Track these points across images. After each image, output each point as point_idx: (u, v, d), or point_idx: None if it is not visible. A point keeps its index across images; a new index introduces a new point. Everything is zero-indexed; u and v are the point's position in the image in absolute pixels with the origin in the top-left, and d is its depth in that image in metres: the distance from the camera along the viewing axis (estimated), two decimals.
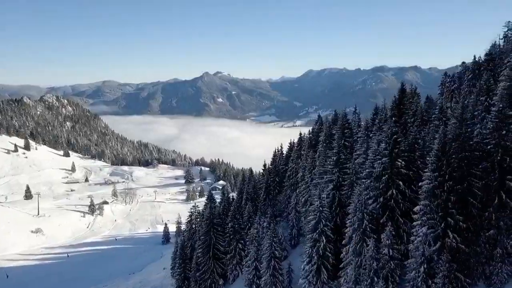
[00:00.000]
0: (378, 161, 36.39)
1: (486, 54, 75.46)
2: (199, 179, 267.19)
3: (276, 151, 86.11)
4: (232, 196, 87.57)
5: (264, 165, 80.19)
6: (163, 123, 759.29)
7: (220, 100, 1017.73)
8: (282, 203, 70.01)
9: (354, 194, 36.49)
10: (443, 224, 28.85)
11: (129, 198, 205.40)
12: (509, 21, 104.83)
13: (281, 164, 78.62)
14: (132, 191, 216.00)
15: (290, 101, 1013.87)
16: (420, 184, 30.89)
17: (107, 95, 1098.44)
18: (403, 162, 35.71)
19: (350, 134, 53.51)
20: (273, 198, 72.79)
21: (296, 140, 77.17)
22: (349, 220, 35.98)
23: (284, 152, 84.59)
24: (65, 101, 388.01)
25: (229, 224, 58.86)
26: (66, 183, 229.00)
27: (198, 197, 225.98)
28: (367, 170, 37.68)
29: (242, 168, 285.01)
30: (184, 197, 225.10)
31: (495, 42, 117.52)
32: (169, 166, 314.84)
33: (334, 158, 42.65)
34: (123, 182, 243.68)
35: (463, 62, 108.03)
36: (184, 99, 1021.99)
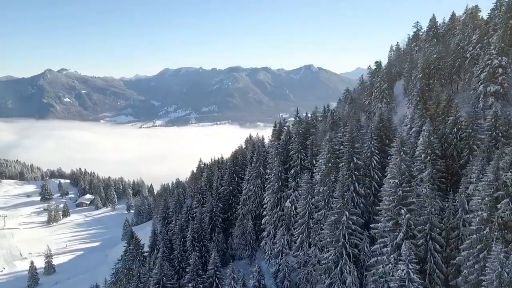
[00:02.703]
0: (505, 200, 24.13)
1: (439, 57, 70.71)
2: (59, 195, 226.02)
3: (209, 166, 68.90)
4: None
5: (200, 188, 62.37)
6: None
7: (67, 100, 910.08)
8: (238, 237, 53.90)
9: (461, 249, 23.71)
10: None
11: None
12: (417, 22, 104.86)
13: (222, 184, 62.05)
14: None
15: (148, 100, 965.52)
16: None
17: None
18: None
19: (360, 149, 40.65)
20: (222, 231, 56.04)
21: (241, 152, 61.57)
22: None
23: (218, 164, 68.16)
24: None
25: (190, 284, 40.56)
26: None
27: (62, 217, 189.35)
28: (483, 214, 25.01)
29: (110, 177, 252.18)
30: (44, 218, 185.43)
31: (397, 43, 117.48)
32: (16, 181, 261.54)
33: (399, 191, 28.98)
34: None
35: (376, 61, 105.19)
36: (22, 99, 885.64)
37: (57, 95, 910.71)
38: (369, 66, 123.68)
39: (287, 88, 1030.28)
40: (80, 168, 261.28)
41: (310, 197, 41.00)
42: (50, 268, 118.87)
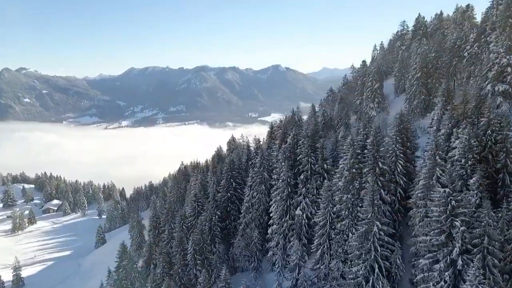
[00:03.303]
0: None
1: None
2: (23, 201, 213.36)
3: (202, 170, 64.64)
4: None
5: (195, 195, 57.87)
6: None
7: (27, 100, 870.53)
8: (242, 248, 50.15)
9: None
10: None
11: None
12: (404, 21, 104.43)
13: (219, 191, 57.98)
14: None
15: (113, 100, 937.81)
16: None
17: None
18: None
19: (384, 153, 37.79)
20: (222, 241, 52.15)
21: (234, 153, 57.71)
22: None
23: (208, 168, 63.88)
24: None
25: None
26: None
27: (27, 224, 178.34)
28: None
29: (77, 181, 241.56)
30: (7, 226, 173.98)
31: (381, 43, 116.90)
32: None
33: (451, 201, 26.18)
34: None
35: (363, 61, 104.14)
36: None
37: (16, 95, 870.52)
38: (352, 65, 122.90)
39: (255, 88, 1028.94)
40: (45, 172, 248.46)
41: (331, 205, 37.88)
42: (18, 281, 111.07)
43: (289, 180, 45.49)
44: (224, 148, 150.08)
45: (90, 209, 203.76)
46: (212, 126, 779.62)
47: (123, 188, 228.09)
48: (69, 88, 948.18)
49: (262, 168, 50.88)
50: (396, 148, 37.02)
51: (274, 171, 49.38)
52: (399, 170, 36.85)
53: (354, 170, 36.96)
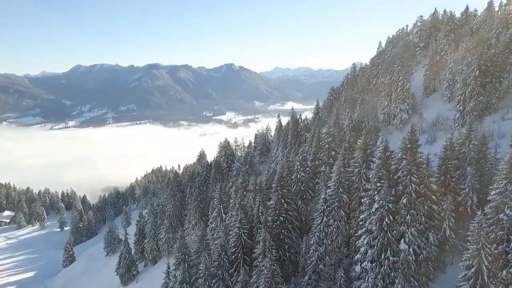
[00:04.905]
0: None
1: None
2: None
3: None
4: None
5: (241, 221, 45.98)
6: None
7: None
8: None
9: None
10: None
11: None
12: (421, 16, 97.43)
13: (268, 214, 46.53)
14: None
15: (58, 99, 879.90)
16: None
17: None
18: None
19: None
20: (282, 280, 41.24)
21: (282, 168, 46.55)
22: None
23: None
24: None
25: None
26: None
27: None
28: None
29: (29, 188, 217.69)
30: None
31: (389, 37, 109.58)
32: None
33: None
34: None
35: (373, 58, 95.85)
36: None
37: None
38: (354, 63, 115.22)
39: (209, 87, 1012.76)
40: None
41: (486, 245, 28.36)
42: None
43: (389, 206, 35.53)
44: (206, 152, 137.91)
45: (49, 221, 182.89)
46: (166, 125, 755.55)
47: (84, 196, 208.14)
48: (9, 86, 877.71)
49: (340, 189, 40.51)
50: None
51: (364, 193, 39.14)
52: None
53: None
